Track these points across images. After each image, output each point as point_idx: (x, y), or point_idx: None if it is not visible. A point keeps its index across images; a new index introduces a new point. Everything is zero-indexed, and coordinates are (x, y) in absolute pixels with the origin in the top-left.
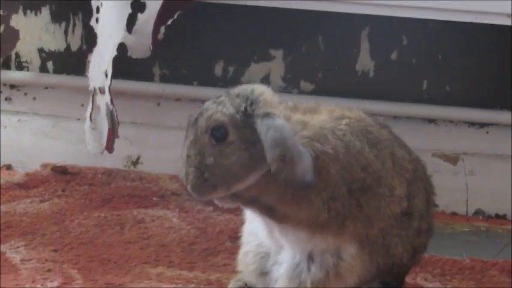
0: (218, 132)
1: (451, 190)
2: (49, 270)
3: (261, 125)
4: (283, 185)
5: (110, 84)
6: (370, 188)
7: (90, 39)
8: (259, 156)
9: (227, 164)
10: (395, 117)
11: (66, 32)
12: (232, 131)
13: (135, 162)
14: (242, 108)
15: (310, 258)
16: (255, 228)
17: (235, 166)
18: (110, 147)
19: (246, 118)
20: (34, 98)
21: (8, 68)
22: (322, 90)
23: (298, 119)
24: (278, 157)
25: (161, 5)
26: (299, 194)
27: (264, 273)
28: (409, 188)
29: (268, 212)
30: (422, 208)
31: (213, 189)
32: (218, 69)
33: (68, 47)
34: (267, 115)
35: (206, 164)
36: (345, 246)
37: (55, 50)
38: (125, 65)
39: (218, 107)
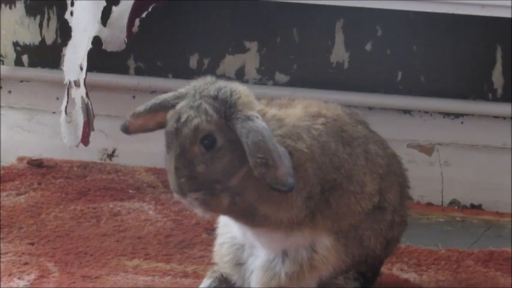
0: (208, 141)
1: (426, 181)
2: (26, 263)
3: (241, 128)
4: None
5: (85, 78)
6: (340, 186)
7: (65, 32)
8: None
9: (220, 166)
10: (370, 108)
11: (41, 26)
12: (219, 137)
13: (111, 155)
14: (222, 113)
15: (285, 253)
16: (230, 220)
17: (228, 166)
18: (85, 140)
19: (227, 121)
20: (9, 92)
21: None
22: (297, 81)
23: (274, 114)
24: (261, 162)
25: None
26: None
27: (239, 264)
28: (381, 183)
29: (248, 217)
30: (396, 202)
31: (210, 188)
32: (193, 62)
33: (43, 40)
34: (246, 118)
35: (198, 171)
36: (319, 239)
37: (30, 44)
38: (99, 58)
39: (200, 114)
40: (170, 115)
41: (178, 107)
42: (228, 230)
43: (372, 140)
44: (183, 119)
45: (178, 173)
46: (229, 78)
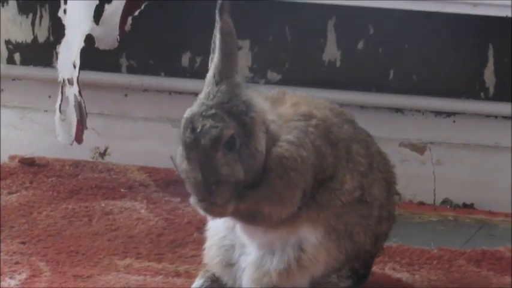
0: (229, 145)
1: (419, 179)
2: (17, 263)
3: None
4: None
5: (78, 76)
6: (323, 183)
7: (57, 30)
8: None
9: (239, 167)
10: (362, 107)
11: (33, 24)
12: (237, 139)
13: (103, 154)
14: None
15: (272, 251)
16: (217, 222)
17: (245, 166)
18: (79, 138)
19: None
20: (1, 90)
21: None
22: (289, 80)
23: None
24: None
25: None
26: (286, 192)
27: (230, 265)
28: (362, 180)
29: (250, 217)
30: (382, 197)
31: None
32: (185, 60)
33: (35, 38)
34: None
35: (223, 173)
36: (306, 237)
37: (22, 42)
38: (92, 56)
39: (218, 123)
40: (183, 124)
41: (188, 115)
42: (216, 232)
43: (355, 140)
44: (198, 129)
45: (208, 181)
46: None
